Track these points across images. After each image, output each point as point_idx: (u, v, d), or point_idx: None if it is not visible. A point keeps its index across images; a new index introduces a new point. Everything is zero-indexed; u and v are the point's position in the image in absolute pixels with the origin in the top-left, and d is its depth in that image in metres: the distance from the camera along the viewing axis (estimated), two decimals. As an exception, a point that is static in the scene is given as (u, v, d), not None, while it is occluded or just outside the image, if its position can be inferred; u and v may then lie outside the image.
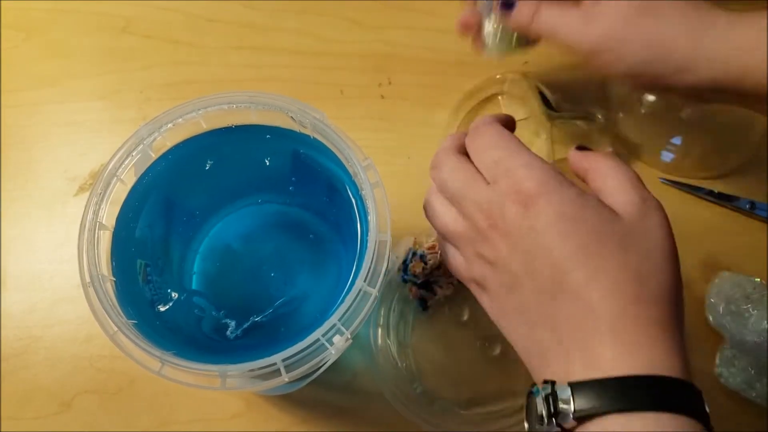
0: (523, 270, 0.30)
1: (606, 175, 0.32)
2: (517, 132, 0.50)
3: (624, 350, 0.27)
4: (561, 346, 0.29)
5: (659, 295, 0.29)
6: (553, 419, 0.27)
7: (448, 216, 0.34)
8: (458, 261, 0.35)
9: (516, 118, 0.50)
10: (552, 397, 0.27)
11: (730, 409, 0.44)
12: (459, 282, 0.46)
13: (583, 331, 0.28)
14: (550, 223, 0.29)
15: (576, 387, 0.27)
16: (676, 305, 0.29)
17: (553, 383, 0.28)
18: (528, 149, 0.32)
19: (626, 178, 0.32)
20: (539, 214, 0.30)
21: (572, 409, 0.27)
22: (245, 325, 0.38)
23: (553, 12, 0.39)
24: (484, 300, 0.34)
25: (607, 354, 0.27)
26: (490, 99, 0.53)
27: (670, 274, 0.30)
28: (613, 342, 0.27)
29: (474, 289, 0.35)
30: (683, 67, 0.36)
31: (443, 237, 0.36)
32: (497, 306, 0.33)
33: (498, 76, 0.53)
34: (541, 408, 0.28)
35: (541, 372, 0.30)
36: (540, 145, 0.49)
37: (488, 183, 0.32)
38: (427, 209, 0.36)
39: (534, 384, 0.29)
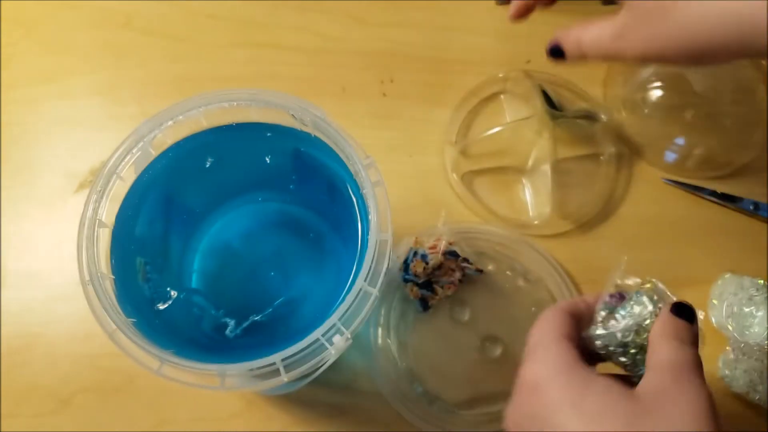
0: None
1: (651, 343, 0.31)
2: (520, 131, 0.50)
3: None
4: None
5: None
6: None
7: None
8: None
9: (518, 117, 0.50)
10: None
11: (733, 411, 0.44)
12: (461, 282, 0.46)
13: None
14: (551, 407, 0.29)
15: None
16: None
17: None
18: (560, 335, 0.32)
19: (666, 347, 0.30)
20: (540, 399, 0.29)
21: None
22: (245, 325, 0.37)
23: (585, 38, 0.37)
24: None
25: None
26: (492, 98, 0.53)
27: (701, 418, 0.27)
28: None
29: None
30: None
31: None
32: None
33: (501, 75, 0.52)
34: None
35: None
36: (542, 144, 0.49)
37: None
38: None
39: None
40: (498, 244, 0.48)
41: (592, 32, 0.36)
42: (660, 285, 0.33)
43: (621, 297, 0.33)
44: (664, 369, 0.29)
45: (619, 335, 0.32)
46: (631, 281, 0.34)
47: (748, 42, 0.30)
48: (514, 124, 0.50)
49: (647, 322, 0.32)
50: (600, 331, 0.33)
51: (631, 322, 0.32)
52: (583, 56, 0.38)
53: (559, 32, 0.38)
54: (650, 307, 0.32)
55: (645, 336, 0.32)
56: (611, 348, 0.32)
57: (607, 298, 0.33)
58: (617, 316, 0.33)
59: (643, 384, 0.29)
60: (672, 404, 0.27)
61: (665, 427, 0.26)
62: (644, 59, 0.35)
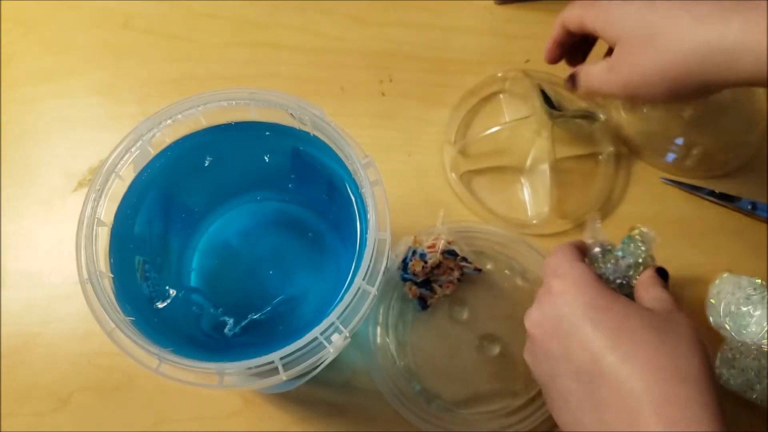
0: (561, 353, 0.34)
1: (638, 287, 0.38)
2: (519, 130, 0.50)
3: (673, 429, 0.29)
4: (605, 426, 0.31)
5: (696, 374, 0.31)
6: None
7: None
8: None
9: (517, 117, 0.51)
10: None
11: (729, 410, 0.43)
12: (459, 281, 0.46)
13: (626, 411, 0.30)
14: (581, 310, 0.34)
15: None
16: (713, 388, 0.31)
17: None
18: (578, 260, 0.38)
19: (655, 289, 0.37)
20: (570, 302, 0.35)
21: None
22: (243, 323, 0.38)
23: (587, 71, 0.44)
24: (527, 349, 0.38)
25: None
26: (491, 97, 0.53)
27: (703, 358, 0.32)
28: (658, 422, 0.29)
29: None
30: (718, 72, 0.36)
31: None
32: (546, 391, 0.36)
33: (500, 75, 0.53)
34: None
35: None
36: (541, 143, 0.49)
37: None
38: None
39: None
40: (496, 243, 0.48)
41: (596, 66, 0.43)
42: (644, 228, 0.41)
43: (602, 245, 0.41)
44: (664, 300, 0.36)
45: (623, 270, 0.40)
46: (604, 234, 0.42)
47: (710, 72, 0.36)
48: (513, 123, 0.50)
49: (641, 259, 0.40)
50: (609, 266, 0.40)
51: (631, 261, 0.40)
52: (590, 86, 0.44)
53: (577, 67, 0.46)
54: (643, 248, 0.40)
55: (639, 270, 0.40)
56: (611, 283, 0.40)
57: (594, 249, 0.41)
58: (617, 255, 0.41)
59: (651, 308, 0.36)
60: (679, 320, 0.34)
61: (680, 335, 0.33)
62: (628, 88, 0.40)
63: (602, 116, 0.50)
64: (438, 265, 0.45)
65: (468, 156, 0.51)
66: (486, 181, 0.51)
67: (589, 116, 0.51)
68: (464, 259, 0.46)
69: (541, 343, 0.36)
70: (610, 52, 0.43)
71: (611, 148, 0.51)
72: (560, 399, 0.34)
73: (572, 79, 0.46)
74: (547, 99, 0.50)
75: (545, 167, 0.49)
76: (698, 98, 0.44)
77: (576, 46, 0.46)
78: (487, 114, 0.53)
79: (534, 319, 0.37)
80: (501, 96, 0.53)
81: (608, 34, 0.41)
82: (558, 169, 0.49)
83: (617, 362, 0.31)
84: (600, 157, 0.51)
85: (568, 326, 0.34)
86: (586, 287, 0.35)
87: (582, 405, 0.33)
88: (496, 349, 0.46)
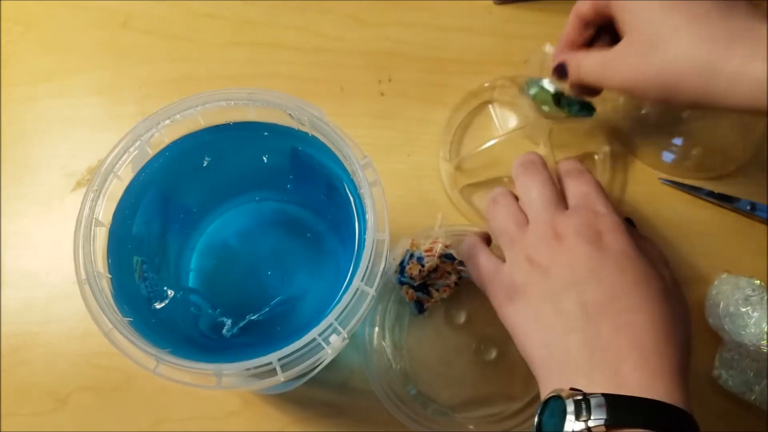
0: (575, 283, 0.35)
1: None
2: (515, 142, 0.49)
3: (650, 379, 0.32)
4: (590, 359, 0.33)
5: (681, 343, 0.34)
6: (584, 423, 0.30)
7: (512, 216, 0.40)
8: (492, 264, 0.40)
9: (508, 125, 0.50)
10: (585, 403, 0.30)
11: (728, 410, 0.44)
12: (456, 285, 0.45)
13: (618, 353, 0.33)
14: (615, 255, 0.36)
15: (608, 398, 0.30)
16: (687, 360, 0.34)
17: (582, 392, 0.31)
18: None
19: (663, 267, 0.39)
20: (607, 246, 0.37)
21: (604, 417, 0.30)
22: (241, 324, 0.38)
23: (584, 63, 0.42)
24: (514, 309, 0.37)
25: (635, 378, 0.32)
26: (480, 108, 0.52)
27: (688, 332, 0.35)
28: (642, 369, 0.32)
29: (501, 297, 0.38)
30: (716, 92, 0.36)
31: (496, 233, 0.41)
32: (532, 312, 0.36)
33: (486, 85, 0.51)
34: (572, 410, 0.30)
35: (558, 378, 0.33)
36: (539, 151, 0.48)
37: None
38: (492, 203, 0.41)
39: (555, 390, 0.32)
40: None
41: (591, 57, 0.42)
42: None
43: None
44: (667, 274, 0.39)
45: None
46: None
47: (709, 94, 0.36)
48: (507, 136, 0.49)
49: None
50: None
51: None
52: (581, 79, 0.42)
53: (566, 54, 0.43)
54: None
55: None
56: None
57: None
58: None
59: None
60: (681, 296, 0.38)
61: (677, 306, 0.36)
62: (625, 85, 0.39)
63: (597, 109, 0.49)
64: (435, 269, 0.45)
65: (465, 171, 0.50)
66: (486, 192, 0.49)
67: (585, 106, 0.49)
68: (461, 263, 0.46)
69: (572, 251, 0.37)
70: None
71: (607, 147, 0.50)
72: (552, 319, 0.35)
73: (560, 69, 0.44)
74: (554, 95, 0.48)
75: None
76: (693, 108, 0.45)
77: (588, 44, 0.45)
78: (478, 126, 0.52)
79: (571, 226, 0.37)
80: (490, 107, 0.52)
81: (618, 14, 0.38)
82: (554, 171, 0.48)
83: (630, 310, 0.34)
84: (596, 156, 0.51)
85: (595, 263, 0.36)
86: (622, 235, 0.37)
87: (576, 333, 0.34)
88: (493, 353, 0.45)
